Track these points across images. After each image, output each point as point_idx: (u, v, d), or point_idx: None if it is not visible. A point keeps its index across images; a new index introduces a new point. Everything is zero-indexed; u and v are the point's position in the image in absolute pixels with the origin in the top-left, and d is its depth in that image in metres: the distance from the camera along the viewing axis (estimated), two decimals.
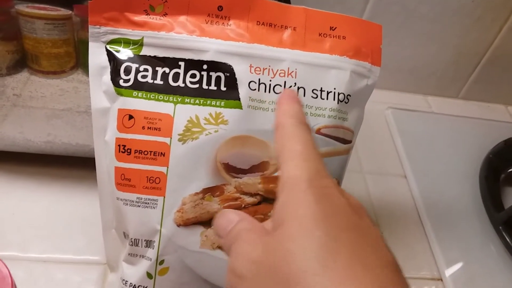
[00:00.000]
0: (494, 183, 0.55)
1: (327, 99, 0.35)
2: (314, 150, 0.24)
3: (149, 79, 0.32)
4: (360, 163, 0.56)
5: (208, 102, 0.33)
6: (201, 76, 0.32)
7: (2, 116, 0.39)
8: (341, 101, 0.35)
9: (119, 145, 0.32)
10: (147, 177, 0.32)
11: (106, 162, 0.33)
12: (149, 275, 0.32)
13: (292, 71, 0.33)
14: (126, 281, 0.32)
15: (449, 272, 0.46)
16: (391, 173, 0.56)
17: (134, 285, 0.32)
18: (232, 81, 0.33)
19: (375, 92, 0.38)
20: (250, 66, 0.33)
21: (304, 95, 0.34)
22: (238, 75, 0.33)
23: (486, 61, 0.67)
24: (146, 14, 0.32)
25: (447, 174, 0.57)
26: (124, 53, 0.32)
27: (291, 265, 0.19)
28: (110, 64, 0.32)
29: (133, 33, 0.32)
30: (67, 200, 0.43)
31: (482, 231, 0.50)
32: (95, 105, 0.33)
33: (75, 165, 0.45)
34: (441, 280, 0.46)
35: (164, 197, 0.32)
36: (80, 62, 0.39)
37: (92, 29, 0.32)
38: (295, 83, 0.34)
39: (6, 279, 0.23)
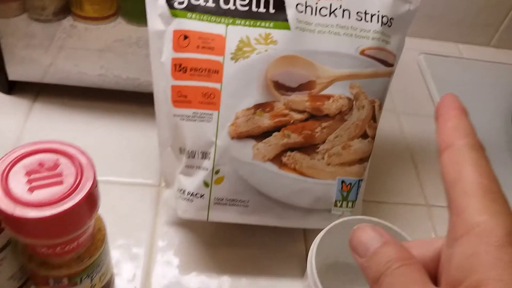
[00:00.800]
0: None
1: (371, 21, 0.36)
2: (500, 186, 0.19)
3: (201, 2, 0.34)
4: (394, 104, 0.57)
5: (258, 23, 0.34)
6: None
7: (57, 49, 0.42)
8: (384, 24, 0.36)
9: (175, 65, 0.34)
10: (202, 93, 0.34)
11: (162, 83, 0.36)
12: (205, 184, 0.34)
13: None
14: (183, 190, 0.35)
15: None
16: (424, 114, 0.57)
17: (192, 193, 0.35)
18: (280, 3, 0.35)
19: (407, 39, 0.39)
20: None
21: (349, 17, 0.36)
22: None
23: None
24: None
25: (479, 115, 0.57)
26: None
27: None
28: None
29: None
30: (119, 132, 0.46)
31: None
32: (152, 28, 0.35)
33: (126, 99, 0.47)
34: None
35: (219, 111, 0.34)
36: (121, 8, 0.40)
37: None
38: (341, 6, 0.36)
39: (88, 166, 0.26)
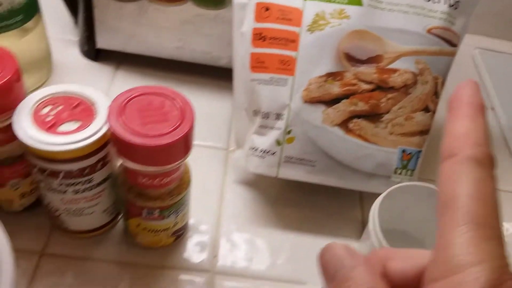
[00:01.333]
0: None
1: (439, 2, 0.38)
2: (498, 216, 0.16)
3: None
4: (448, 94, 0.59)
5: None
6: None
7: (142, 20, 0.46)
8: (451, 6, 0.39)
9: (255, 34, 0.38)
10: (279, 60, 0.37)
11: (241, 52, 0.39)
12: (278, 142, 0.38)
13: None
14: (256, 148, 0.38)
15: None
16: None
17: (264, 150, 0.38)
18: None
19: None
20: None
21: None
22: None
23: None
24: None
25: None
26: None
27: None
28: None
29: None
30: (192, 101, 0.49)
31: None
32: (236, 0, 0.39)
33: (198, 72, 0.51)
34: None
35: (294, 77, 0.37)
36: None
37: None
38: None
39: (189, 111, 0.29)
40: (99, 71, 0.50)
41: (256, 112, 0.39)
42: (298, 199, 0.43)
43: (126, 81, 0.50)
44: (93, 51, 0.50)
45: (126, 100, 0.29)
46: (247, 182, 0.43)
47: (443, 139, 0.17)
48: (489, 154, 0.16)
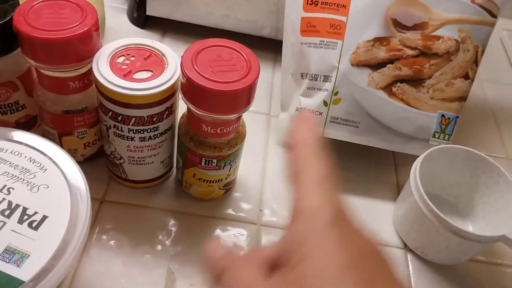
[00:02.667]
0: None
1: None
2: (334, 178, 0.22)
3: None
4: (478, 72, 0.61)
5: None
6: None
7: None
8: None
9: None
10: (330, 24, 0.39)
11: (292, 16, 0.41)
12: (325, 103, 0.40)
13: None
14: (304, 108, 0.41)
15: None
16: (505, 83, 0.60)
17: (312, 110, 0.40)
18: None
19: None
20: None
21: None
22: None
23: None
24: None
25: None
26: None
27: None
28: None
29: None
30: None
31: None
32: None
33: (241, 41, 0.53)
34: None
35: (343, 41, 0.39)
36: None
37: None
38: None
39: (255, 63, 0.31)
40: (147, 38, 0.52)
41: (303, 75, 0.41)
42: (337, 161, 0.45)
43: (173, 49, 0.52)
44: (142, 18, 0.52)
45: (197, 51, 0.31)
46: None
47: (288, 138, 0.24)
48: (323, 140, 0.23)
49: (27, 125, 0.37)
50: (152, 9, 0.51)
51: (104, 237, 0.36)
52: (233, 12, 0.50)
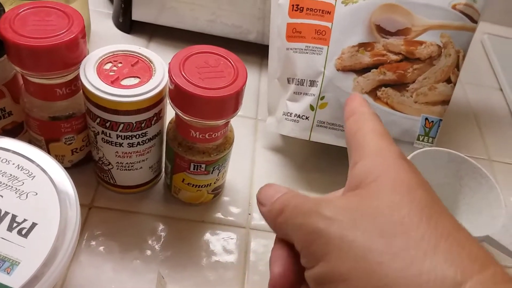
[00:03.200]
0: None
1: None
2: (390, 136, 0.24)
3: None
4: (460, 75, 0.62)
5: None
6: None
7: None
8: None
9: (292, 5, 0.40)
10: (315, 30, 0.40)
11: (278, 22, 0.42)
12: (311, 107, 0.40)
13: None
14: (290, 113, 0.41)
15: None
16: (486, 85, 0.62)
17: (298, 115, 0.41)
18: None
19: None
20: None
21: None
22: None
23: None
24: None
25: None
26: None
27: (401, 211, 0.19)
28: None
29: None
30: None
31: None
32: None
33: (226, 46, 0.53)
34: None
35: (328, 46, 0.40)
36: None
37: None
38: None
39: (242, 70, 0.31)
40: (133, 43, 0.52)
41: (289, 80, 0.42)
42: (323, 165, 0.46)
43: (159, 54, 0.52)
44: (127, 23, 0.52)
45: (185, 57, 0.31)
46: (275, 148, 0.46)
47: (344, 111, 0.26)
48: (374, 112, 0.25)
49: (13, 132, 0.37)
50: (137, 14, 0.51)
51: (93, 243, 0.36)
52: (218, 17, 0.50)
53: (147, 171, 0.37)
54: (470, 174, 0.41)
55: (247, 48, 0.53)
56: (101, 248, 0.36)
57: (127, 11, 0.50)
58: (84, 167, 0.40)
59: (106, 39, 0.52)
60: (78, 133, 0.36)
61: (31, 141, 0.36)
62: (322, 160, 0.46)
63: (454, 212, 0.42)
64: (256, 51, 0.54)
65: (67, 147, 0.37)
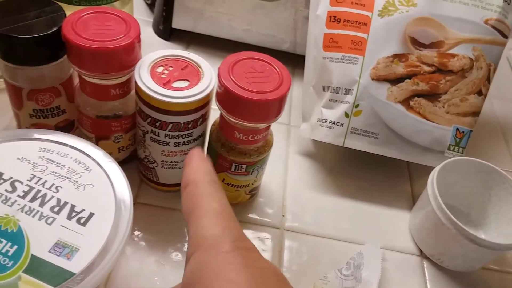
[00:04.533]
0: None
1: None
2: (231, 210, 0.22)
3: None
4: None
5: None
6: None
7: (220, 3, 0.51)
8: (505, 1, 0.43)
9: (330, 16, 0.42)
10: (352, 40, 0.42)
11: (315, 32, 0.43)
12: (346, 115, 0.42)
13: None
14: (325, 120, 0.43)
15: None
16: None
17: (333, 121, 0.42)
18: None
19: None
20: None
21: None
22: None
23: None
24: None
25: None
26: None
27: None
28: None
29: None
30: None
31: None
32: None
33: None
34: None
35: (364, 56, 0.41)
36: None
37: None
38: None
39: (287, 76, 0.33)
40: (171, 49, 0.54)
41: (325, 88, 0.43)
42: (353, 171, 0.47)
43: None
44: (167, 31, 0.54)
45: (233, 63, 0.33)
46: (307, 153, 0.48)
47: (184, 168, 0.25)
48: (215, 178, 0.24)
49: (66, 129, 0.39)
50: (177, 22, 0.53)
51: (137, 237, 0.38)
52: (254, 27, 0.52)
53: None
54: (500, 184, 0.42)
55: (280, 57, 0.54)
56: (144, 242, 0.37)
57: (168, 20, 0.53)
58: (128, 165, 0.41)
59: (146, 46, 0.54)
60: (126, 132, 0.38)
61: None
62: (351, 166, 0.47)
63: (483, 221, 0.43)
64: (288, 60, 0.56)
65: (115, 145, 0.39)
